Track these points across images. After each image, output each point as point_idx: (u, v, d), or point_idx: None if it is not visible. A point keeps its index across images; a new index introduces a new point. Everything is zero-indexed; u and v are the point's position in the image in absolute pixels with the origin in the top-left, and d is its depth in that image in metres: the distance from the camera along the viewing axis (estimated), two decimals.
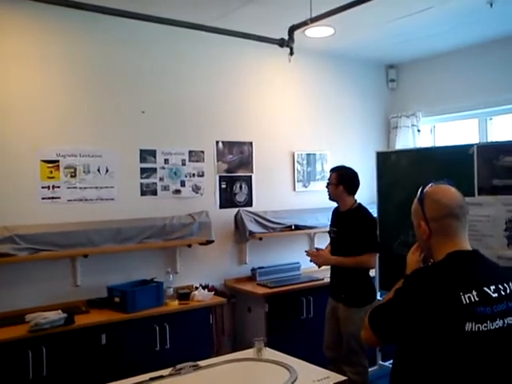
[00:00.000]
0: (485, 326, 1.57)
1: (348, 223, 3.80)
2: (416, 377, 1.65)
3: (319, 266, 3.98)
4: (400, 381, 1.73)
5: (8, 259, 3.59)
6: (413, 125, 5.62)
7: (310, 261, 3.97)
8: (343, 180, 3.81)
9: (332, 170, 3.95)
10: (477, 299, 1.58)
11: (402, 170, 4.39)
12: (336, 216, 3.96)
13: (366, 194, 5.08)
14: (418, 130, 5.61)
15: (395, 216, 4.34)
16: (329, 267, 3.98)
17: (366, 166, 5.16)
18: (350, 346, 3.77)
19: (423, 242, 1.80)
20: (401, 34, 4.80)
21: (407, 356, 1.68)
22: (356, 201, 3.86)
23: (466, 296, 1.57)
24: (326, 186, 3.92)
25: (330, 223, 4.05)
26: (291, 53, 3.74)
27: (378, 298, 4.48)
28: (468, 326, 1.56)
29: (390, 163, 4.53)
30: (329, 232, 4.04)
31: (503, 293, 1.64)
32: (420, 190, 1.80)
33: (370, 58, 5.66)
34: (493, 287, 1.63)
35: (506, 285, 1.66)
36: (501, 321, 1.60)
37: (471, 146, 3.87)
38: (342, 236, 3.84)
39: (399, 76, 5.96)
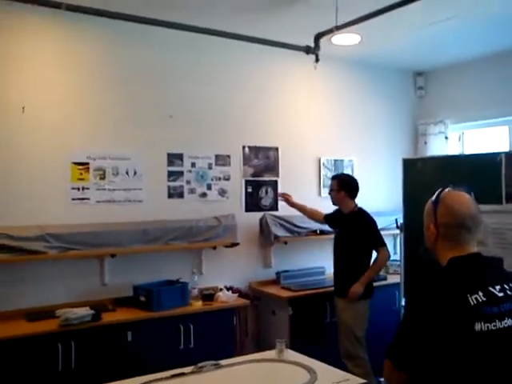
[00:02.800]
0: (494, 325, 1.58)
1: (351, 224, 4.14)
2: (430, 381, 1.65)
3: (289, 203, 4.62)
4: None
5: (40, 256, 3.72)
6: (440, 132, 5.58)
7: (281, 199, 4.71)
8: (345, 185, 4.20)
9: (333, 178, 4.33)
10: (484, 299, 1.59)
11: (428, 178, 4.36)
12: (339, 218, 4.28)
13: (392, 200, 5.10)
14: (446, 137, 5.56)
15: (421, 222, 4.30)
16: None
17: (392, 172, 5.18)
18: (347, 338, 3.98)
19: (430, 243, 1.81)
20: (429, 41, 4.78)
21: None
22: (357, 204, 4.21)
23: (473, 297, 1.58)
24: (329, 193, 4.31)
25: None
26: (317, 60, 3.80)
27: (403, 303, 4.48)
28: (477, 326, 1.56)
29: (416, 170, 4.52)
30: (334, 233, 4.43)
31: (509, 292, 1.65)
32: (437, 192, 1.80)
33: (398, 65, 5.65)
34: (498, 287, 1.64)
35: (511, 284, 1.67)
36: (509, 319, 1.61)
37: (499, 154, 3.84)
38: (344, 235, 4.19)
39: (427, 83, 5.92)
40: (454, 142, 5.69)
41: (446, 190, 1.79)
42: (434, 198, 1.80)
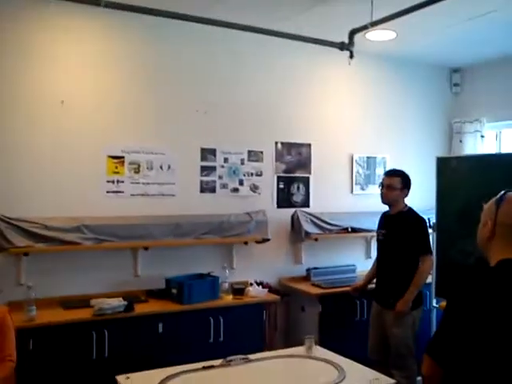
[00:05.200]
0: None
1: (399, 225, 3.85)
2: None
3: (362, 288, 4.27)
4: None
5: (75, 247, 3.83)
6: (476, 130, 5.48)
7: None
8: (407, 184, 3.89)
9: (392, 174, 3.95)
10: None
11: (463, 177, 4.30)
12: (385, 219, 4.01)
13: (424, 200, 5.04)
14: (482, 136, 5.46)
15: (454, 223, 4.25)
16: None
17: (425, 170, 5.11)
18: (398, 351, 3.78)
19: (483, 241, 1.78)
20: (466, 37, 4.69)
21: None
22: (406, 204, 3.92)
23: None
24: (382, 190, 3.92)
25: (377, 227, 4.11)
26: (351, 56, 3.77)
27: (434, 304, 4.44)
28: None
29: (450, 169, 4.44)
30: (377, 235, 4.09)
31: None
32: (501, 192, 1.78)
33: (434, 61, 5.57)
34: None
35: None
36: None
37: None
38: (391, 238, 3.88)
39: (463, 80, 5.81)
40: (490, 141, 5.57)
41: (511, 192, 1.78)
42: (497, 197, 1.78)
